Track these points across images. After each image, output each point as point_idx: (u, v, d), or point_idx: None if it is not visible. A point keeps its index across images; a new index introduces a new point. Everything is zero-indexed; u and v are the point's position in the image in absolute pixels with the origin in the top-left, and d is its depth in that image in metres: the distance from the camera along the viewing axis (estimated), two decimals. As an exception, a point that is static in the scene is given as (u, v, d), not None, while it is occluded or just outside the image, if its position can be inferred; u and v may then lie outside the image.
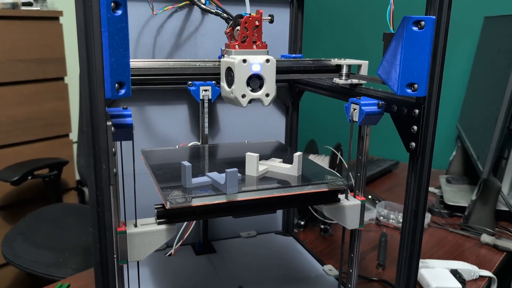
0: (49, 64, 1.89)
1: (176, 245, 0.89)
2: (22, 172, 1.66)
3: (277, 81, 0.61)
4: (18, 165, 1.74)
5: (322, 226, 1.14)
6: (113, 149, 0.45)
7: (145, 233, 0.55)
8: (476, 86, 1.46)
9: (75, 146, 2.03)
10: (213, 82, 0.81)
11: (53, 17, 1.88)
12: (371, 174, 1.51)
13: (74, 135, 2.05)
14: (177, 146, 0.80)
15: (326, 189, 0.62)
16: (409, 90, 0.55)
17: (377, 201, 1.27)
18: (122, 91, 0.44)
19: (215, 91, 0.81)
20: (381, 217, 1.20)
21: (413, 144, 0.57)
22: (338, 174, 0.66)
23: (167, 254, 0.89)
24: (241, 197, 0.58)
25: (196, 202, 0.56)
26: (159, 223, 0.56)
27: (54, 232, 1.57)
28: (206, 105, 0.82)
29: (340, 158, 1.13)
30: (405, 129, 0.58)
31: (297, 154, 0.64)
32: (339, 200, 0.65)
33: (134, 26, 0.81)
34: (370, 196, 1.32)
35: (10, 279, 1.91)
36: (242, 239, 0.97)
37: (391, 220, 1.19)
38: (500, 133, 1.05)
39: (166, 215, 0.57)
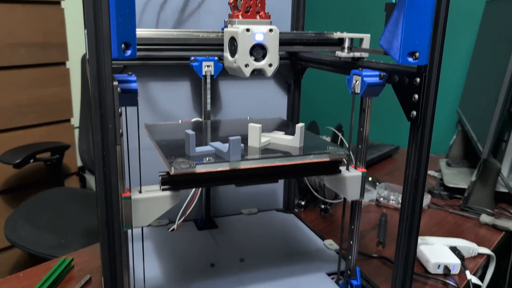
0: (51, 49, 1.89)
1: (178, 221, 0.90)
2: (24, 155, 1.67)
3: (280, 58, 0.62)
4: (20, 148, 1.75)
5: (323, 206, 1.15)
6: (119, 110, 0.45)
7: (149, 199, 0.56)
8: (477, 70, 1.46)
9: (76, 131, 2.04)
10: (216, 58, 0.82)
11: (55, 2, 1.88)
12: (371, 158, 1.52)
13: (75, 121, 2.06)
14: (179, 121, 0.81)
15: (328, 159, 0.63)
16: (410, 59, 0.56)
17: (377, 183, 1.28)
18: (129, 52, 0.45)
19: (217, 67, 0.82)
20: (381, 198, 1.21)
21: (414, 113, 0.58)
22: (340, 146, 0.66)
23: (170, 229, 0.90)
24: (244, 165, 0.59)
25: (199, 169, 0.57)
26: (163, 190, 0.57)
27: (56, 215, 1.59)
28: (208, 81, 0.83)
29: (341, 138, 1.14)
30: (406, 98, 0.59)
31: (299, 125, 0.65)
32: (340, 171, 0.66)
33: (136, 3, 0.81)
34: (370, 178, 1.33)
35: (13, 262, 1.93)
36: (244, 215, 0.98)
37: (391, 201, 1.20)
38: (500, 114, 1.05)
39: (170, 182, 0.57)
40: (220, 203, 0.98)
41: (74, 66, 2.01)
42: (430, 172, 1.43)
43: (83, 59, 1.87)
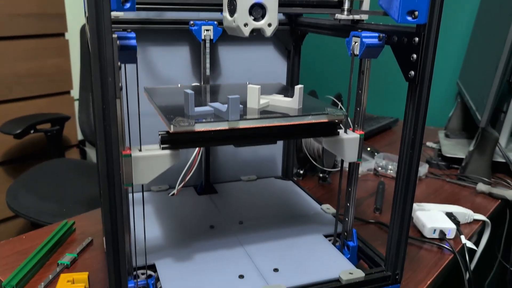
0: (49, 20, 1.87)
1: (178, 186, 0.91)
2: (24, 125, 1.68)
3: (280, 23, 0.62)
4: (21, 119, 1.76)
5: (321, 175, 1.16)
6: (118, 63, 0.46)
7: (149, 157, 0.57)
8: (478, 42, 1.45)
9: (76, 103, 2.04)
10: (215, 22, 0.82)
11: (52, -29, 1.86)
12: (370, 130, 1.53)
13: (75, 93, 2.06)
14: (179, 85, 0.81)
15: (326, 120, 0.63)
16: (409, 18, 0.55)
17: (375, 153, 1.29)
18: (128, 5, 0.45)
19: (216, 31, 0.82)
20: (379, 168, 1.22)
21: (412, 72, 0.58)
22: (338, 108, 0.67)
23: (170, 194, 0.91)
24: (243, 125, 0.59)
25: (198, 128, 0.57)
26: (163, 148, 0.58)
27: (57, 185, 1.60)
28: (207, 45, 0.83)
29: (340, 107, 1.14)
30: (404, 58, 0.59)
31: (298, 86, 0.65)
32: (338, 133, 0.67)
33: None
34: (369, 148, 1.33)
35: (15, 231, 1.96)
36: (243, 182, 0.99)
37: (389, 171, 1.21)
38: (500, 82, 1.05)
39: (170, 141, 0.58)
40: (219, 169, 0.99)
41: (73, 37, 2.00)
42: (428, 144, 1.44)
43: (82, 30, 1.86)
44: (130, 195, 0.62)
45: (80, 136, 2.15)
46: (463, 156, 1.23)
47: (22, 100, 1.87)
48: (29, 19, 1.81)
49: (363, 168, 1.22)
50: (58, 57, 1.93)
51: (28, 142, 1.90)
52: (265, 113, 0.63)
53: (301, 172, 1.18)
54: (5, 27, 1.75)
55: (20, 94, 1.85)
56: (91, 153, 2.38)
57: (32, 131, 1.72)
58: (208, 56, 0.84)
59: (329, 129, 0.66)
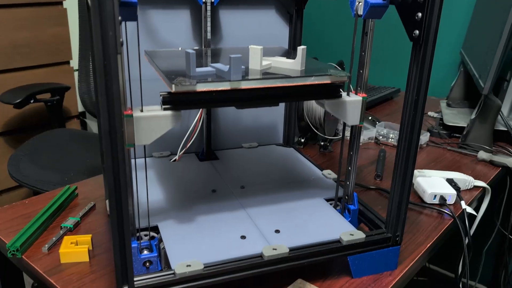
0: (47, -13, 1.84)
1: (180, 152, 0.91)
2: (24, 95, 1.67)
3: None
4: (20, 88, 1.74)
5: (322, 143, 1.16)
6: (119, 18, 0.45)
7: (151, 117, 0.56)
8: (482, 10, 1.43)
9: (76, 74, 2.02)
10: (216, -16, 0.80)
11: None
12: (372, 100, 1.52)
13: (74, 63, 2.04)
14: (180, 48, 0.80)
15: (329, 81, 0.63)
16: (415, -26, 0.54)
17: (377, 122, 1.29)
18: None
19: (218, -6, 0.80)
20: (380, 137, 1.22)
21: (417, 32, 0.57)
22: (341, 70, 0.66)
23: (172, 160, 0.91)
24: (245, 85, 0.59)
25: (200, 88, 0.57)
26: (164, 109, 0.57)
27: (59, 154, 1.60)
28: (208, 8, 0.82)
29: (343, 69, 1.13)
30: (409, 17, 0.58)
31: (301, 47, 0.64)
32: (340, 95, 0.66)
33: None
34: (370, 117, 1.33)
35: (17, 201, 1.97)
36: (244, 149, 0.99)
37: (390, 139, 1.21)
38: (504, 49, 1.04)
39: (171, 102, 0.58)
40: (221, 137, 0.99)
41: (71, 6, 1.97)
42: (430, 113, 1.43)
43: (80, -2, 1.82)
44: (132, 161, 0.62)
45: (80, 108, 2.14)
46: (465, 125, 1.22)
47: (20, 70, 1.85)
48: (26, -13, 1.78)
49: (364, 136, 1.22)
50: (56, 26, 1.91)
51: (28, 112, 1.89)
52: (267, 74, 0.63)
53: (302, 140, 1.18)
54: (1, -5, 1.72)
55: (19, 64, 1.84)
56: (92, 124, 2.38)
57: (32, 101, 1.71)
58: (209, 19, 0.82)
59: (332, 91, 0.65)
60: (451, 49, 1.69)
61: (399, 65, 1.80)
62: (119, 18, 0.46)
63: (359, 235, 0.66)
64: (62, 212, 0.84)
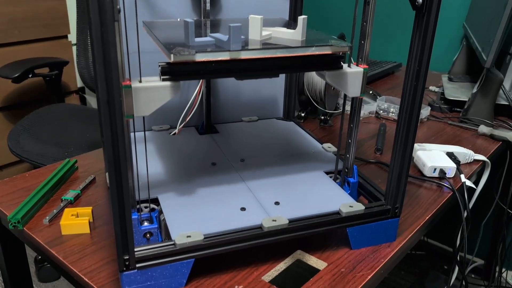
0: (43, -41, 1.81)
1: (180, 125, 0.91)
2: (22, 69, 1.66)
3: None
4: (18, 62, 1.73)
5: (322, 117, 1.16)
6: (116, -16, 0.44)
7: (150, 88, 0.56)
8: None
9: (74, 48, 2.00)
10: (215, -47, 0.78)
11: None
12: (373, 74, 1.51)
13: (72, 37, 2.01)
14: (178, 19, 0.78)
15: (330, 52, 0.62)
16: None
17: (377, 96, 1.28)
18: None
19: (217, -37, 0.79)
20: (381, 111, 1.21)
21: (420, 0, 0.56)
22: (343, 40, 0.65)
23: (171, 134, 0.91)
24: (244, 55, 0.58)
25: (199, 58, 0.56)
26: (163, 80, 0.57)
27: (58, 129, 1.60)
28: (208, -23, 0.80)
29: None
30: (412, -15, 0.57)
31: (302, 17, 0.63)
32: (342, 66, 0.65)
33: None
34: (371, 92, 1.32)
35: (18, 176, 1.97)
36: (244, 123, 0.99)
37: (391, 114, 1.20)
38: (507, 22, 1.03)
39: (170, 72, 0.57)
40: (220, 110, 0.98)
41: (68, -21, 1.94)
42: (431, 88, 1.42)
43: (77, -30, 1.79)
44: (131, 134, 0.61)
45: (79, 83, 2.13)
46: (466, 99, 1.22)
47: (18, 44, 1.83)
48: (21, -41, 1.75)
49: (365, 111, 1.22)
50: (53, 0, 1.88)
51: (27, 87, 1.88)
52: (267, 44, 0.62)
53: (303, 114, 1.18)
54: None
55: (16, 38, 1.82)
56: (91, 100, 2.37)
57: (30, 75, 1.70)
58: (208, -11, 0.81)
59: (333, 62, 0.64)
60: (453, 23, 1.66)
61: (401, 39, 1.77)
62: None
63: (358, 207, 0.66)
64: (62, 185, 0.84)
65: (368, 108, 1.22)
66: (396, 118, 1.19)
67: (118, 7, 0.45)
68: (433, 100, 1.28)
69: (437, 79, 1.51)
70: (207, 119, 0.95)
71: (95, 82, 0.59)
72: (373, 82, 1.52)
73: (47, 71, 1.80)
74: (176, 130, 0.91)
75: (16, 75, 1.63)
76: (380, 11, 1.74)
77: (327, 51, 0.61)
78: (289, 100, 1.03)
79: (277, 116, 1.04)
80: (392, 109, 1.20)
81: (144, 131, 0.63)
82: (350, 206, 0.66)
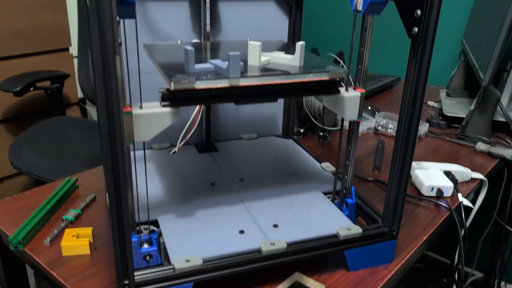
0: (45, -27, 1.83)
1: (179, 144, 0.92)
2: (24, 83, 1.67)
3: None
4: (20, 76, 1.74)
5: (321, 134, 1.17)
6: (117, 18, 0.45)
7: (150, 114, 0.57)
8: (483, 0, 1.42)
9: (75, 61, 2.02)
10: (215, -24, 0.79)
11: None
12: (371, 89, 1.52)
13: (74, 50, 2.03)
14: (179, 42, 0.80)
15: (327, 78, 0.63)
16: (415, -28, 0.54)
17: (376, 112, 1.29)
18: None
19: (217, -14, 0.80)
20: (380, 127, 1.22)
21: (416, 29, 0.57)
22: (340, 66, 0.66)
23: (171, 152, 0.92)
24: (243, 82, 0.59)
25: (199, 85, 0.57)
26: (163, 106, 0.58)
27: (59, 142, 1.61)
28: (208, 0, 0.81)
29: (342, 65, 1.13)
30: (408, 14, 0.58)
31: (300, 43, 0.64)
32: (339, 91, 0.66)
33: None
34: (369, 107, 1.33)
35: (18, 189, 1.98)
36: (243, 140, 1.00)
37: (389, 130, 1.21)
38: (504, 41, 1.04)
39: (170, 98, 0.58)
40: (220, 128, 0.99)
41: (69, -8, 1.95)
42: (429, 103, 1.43)
43: (79, -16, 1.81)
44: (131, 152, 0.62)
45: (80, 94, 2.14)
46: (464, 116, 1.23)
47: (20, 57, 1.84)
48: (23, -27, 1.77)
49: (364, 126, 1.23)
50: (55, 13, 1.89)
51: (28, 99, 1.89)
52: (266, 70, 0.63)
53: (302, 130, 1.19)
54: (-1, -19, 1.71)
55: (18, 51, 1.83)
56: (92, 111, 2.38)
57: (31, 89, 1.71)
58: (208, 12, 0.82)
59: (330, 87, 0.65)
60: (452, 37, 1.68)
61: (399, 53, 1.79)
62: (117, 18, 0.46)
63: (356, 230, 0.67)
64: (63, 204, 0.85)
65: (367, 124, 1.22)
66: (394, 134, 1.19)
67: (119, 40, 0.46)
68: (431, 116, 1.29)
69: (435, 93, 1.52)
70: (206, 137, 0.96)
71: (97, 110, 0.60)
72: (371, 97, 1.53)
73: (48, 84, 1.82)
74: (176, 149, 0.92)
75: (18, 88, 1.64)
76: (379, 25, 1.75)
77: (324, 77, 0.63)
78: (288, 117, 1.04)
79: (276, 133, 1.05)
80: (390, 125, 1.21)
81: (144, 149, 0.64)
82: (348, 229, 0.67)
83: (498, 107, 1.17)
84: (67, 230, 0.73)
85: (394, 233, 0.69)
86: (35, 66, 1.88)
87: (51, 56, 1.94)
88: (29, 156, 1.51)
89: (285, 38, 0.96)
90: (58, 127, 1.72)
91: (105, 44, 0.45)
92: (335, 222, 0.69)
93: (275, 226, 0.68)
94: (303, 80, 0.62)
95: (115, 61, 0.46)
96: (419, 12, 0.56)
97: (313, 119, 1.14)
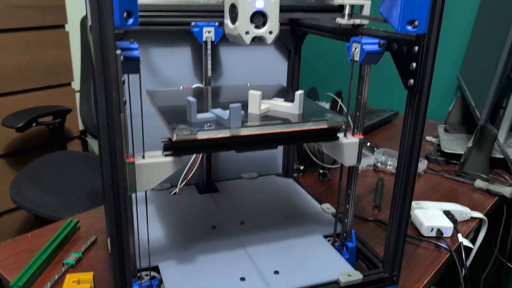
0: (49, 11, 1.87)
1: (180, 185, 0.93)
2: (26, 118, 1.69)
3: (281, 23, 0.62)
4: (22, 112, 1.76)
5: (321, 171, 1.17)
6: (122, 78, 0.46)
7: (152, 164, 0.58)
8: (479, 37, 1.45)
9: (77, 95, 2.04)
10: (216, 23, 0.82)
11: (52, -37, 1.85)
12: (370, 124, 1.53)
13: (76, 84, 2.06)
14: (181, 87, 0.81)
15: (326, 126, 0.64)
16: (409, 27, 0.56)
17: (375, 148, 1.30)
18: (131, 21, 0.45)
19: (218, 33, 0.82)
20: (379, 164, 1.23)
21: (411, 81, 0.59)
22: (338, 113, 0.68)
23: (172, 193, 0.92)
24: (244, 132, 0.60)
25: (201, 136, 0.58)
26: (165, 155, 0.59)
27: (60, 177, 1.62)
28: (209, 46, 0.83)
29: (340, 104, 1.15)
30: (404, 66, 0.59)
31: (299, 92, 0.66)
32: (338, 138, 0.68)
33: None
34: (368, 144, 1.34)
35: (19, 223, 1.98)
36: (244, 180, 1.01)
37: (388, 166, 1.22)
38: (499, 80, 1.06)
39: (172, 148, 0.59)
40: (220, 168, 1.00)
41: (73, 29, 1.99)
42: (428, 138, 1.45)
43: (83, 21, 1.85)
44: (133, 195, 0.63)
45: (81, 126, 2.16)
46: (462, 152, 1.24)
47: (23, 93, 1.87)
48: (28, 11, 1.81)
49: (363, 163, 1.24)
50: (58, 49, 1.93)
51: (30, 134, 1.91)
52: (266, 119, 0.64)
53: (301, 168, 1.19)
54: (4, 19, 1.75)
55: (21, 87, 1.86)
56: (93, 143, 2.39)
57: (34, 124, 1.73)
58: (209, 57, 0.84)
59: (329, 134, 0.67)
60: (448, 73, 1.71)
61: (398, 87, 1.81)
62: (122, 78, 0.47)
63: (357, 276, 0.67)
64: (64, 246, 0.85)
65: (366, 161, 1.24)
66: (393, 171, 1.21)
67: (124, 99, 0.48)
68: (430, 152, 1.30)
69: (433, 128, 1.54)
70: (207, 178, 0.97)
71: (100, 164, 0.61)
72: (370, 132, 1.54)
73: (50, 119, 1.84)
74: (177, 190, 0.93)
75: (20, 124, 1.66)
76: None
77: (323, 125, 0.64)
78: (288, 157, 1.05)
79: (276, 172, 1.06)
80: (389, 162, 1.22)
81: (146, 198, 0.64)
82: (349, 275, 0.67)
83: (496, 143, 1.18)
84: (68, 275, 0.73)
85: (394, 278, 0.69)
86: (38, 100, 1.91)
87: (53, 90, 1.97)
88: (29, 192, 1.51)
89: (284, 80, 0.98)
90: (59, 162, 1.73)
91: (111, 102, 0.46)
92: (335, 268, 0.69)
93: (276, 272, 0.68)
94: (302, 128, 0.63)
95: (120, 118, 0.47)
96: (414, 65, 0.58)
97: (312, 157, 1.15)
